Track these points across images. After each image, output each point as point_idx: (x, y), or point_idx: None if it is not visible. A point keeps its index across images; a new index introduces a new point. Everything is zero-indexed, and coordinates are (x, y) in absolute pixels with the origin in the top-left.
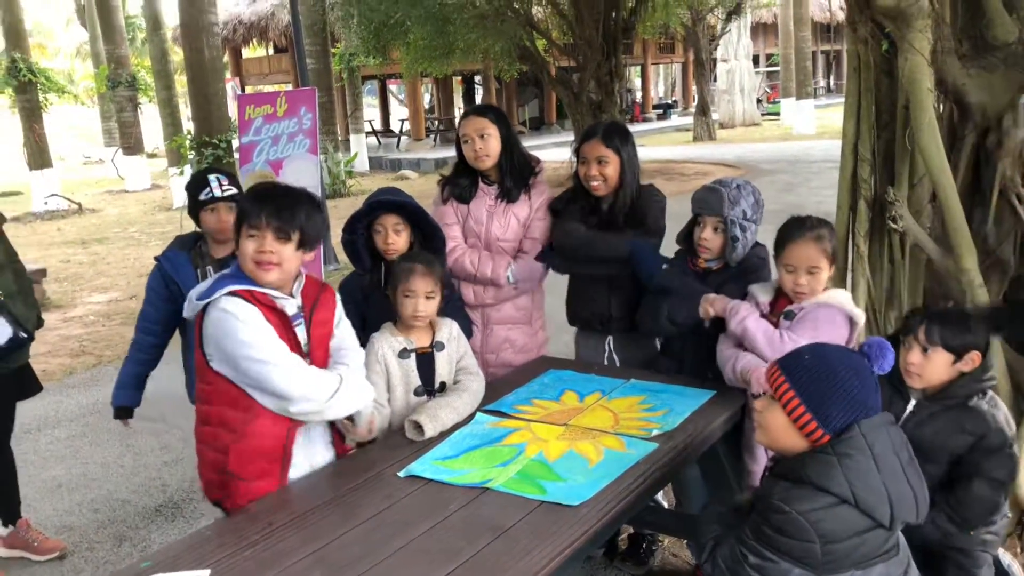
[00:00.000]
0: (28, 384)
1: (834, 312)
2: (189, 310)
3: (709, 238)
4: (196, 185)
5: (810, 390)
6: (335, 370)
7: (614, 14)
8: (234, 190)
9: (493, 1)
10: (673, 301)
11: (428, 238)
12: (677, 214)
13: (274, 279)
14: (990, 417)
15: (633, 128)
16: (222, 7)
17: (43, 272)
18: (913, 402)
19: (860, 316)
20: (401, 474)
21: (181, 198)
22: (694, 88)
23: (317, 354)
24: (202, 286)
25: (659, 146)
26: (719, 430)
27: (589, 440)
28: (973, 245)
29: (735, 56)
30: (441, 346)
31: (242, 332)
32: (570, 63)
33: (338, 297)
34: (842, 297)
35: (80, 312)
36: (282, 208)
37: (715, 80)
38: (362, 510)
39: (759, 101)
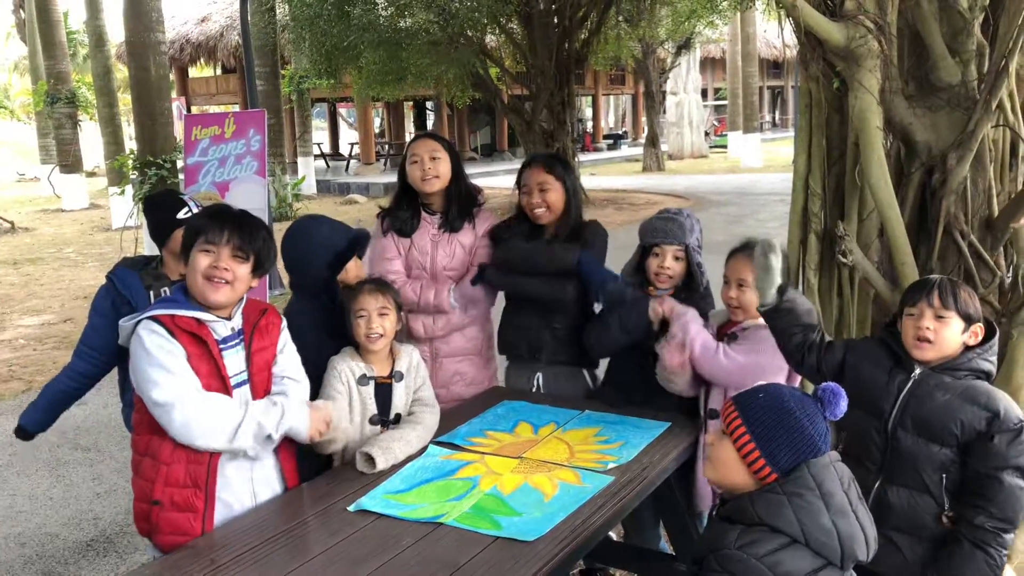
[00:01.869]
0: None
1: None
2: (122, 336)
3: (671, 266)
4: (170, 206)
5: (762, 428)
6: (272, 397)
7: (567, 44)
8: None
9: (447, 28)
10: (625, 308)
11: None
12: (625, 244)
13: (223, 299)
14: (1002, 395)
15: (584, 157)
16: (170, 26)
17: None
18: (918, 370)
19: None
20: (351, 508)
21: (121, 218)
22: (644, 120)
23: (259, 378)
24: (135, 314)
25: (609, 176)
26: (674, 463)
27: (544, 473)
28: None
29: (684, 89)
30: (400, 376)
31: (147, 367)
32: (523, 91)
33: (284, 322)
34: None
35: (10, 335)
36: (243, 227)
37: (664, 112)
38: (310, 546)
39: (707, 134)
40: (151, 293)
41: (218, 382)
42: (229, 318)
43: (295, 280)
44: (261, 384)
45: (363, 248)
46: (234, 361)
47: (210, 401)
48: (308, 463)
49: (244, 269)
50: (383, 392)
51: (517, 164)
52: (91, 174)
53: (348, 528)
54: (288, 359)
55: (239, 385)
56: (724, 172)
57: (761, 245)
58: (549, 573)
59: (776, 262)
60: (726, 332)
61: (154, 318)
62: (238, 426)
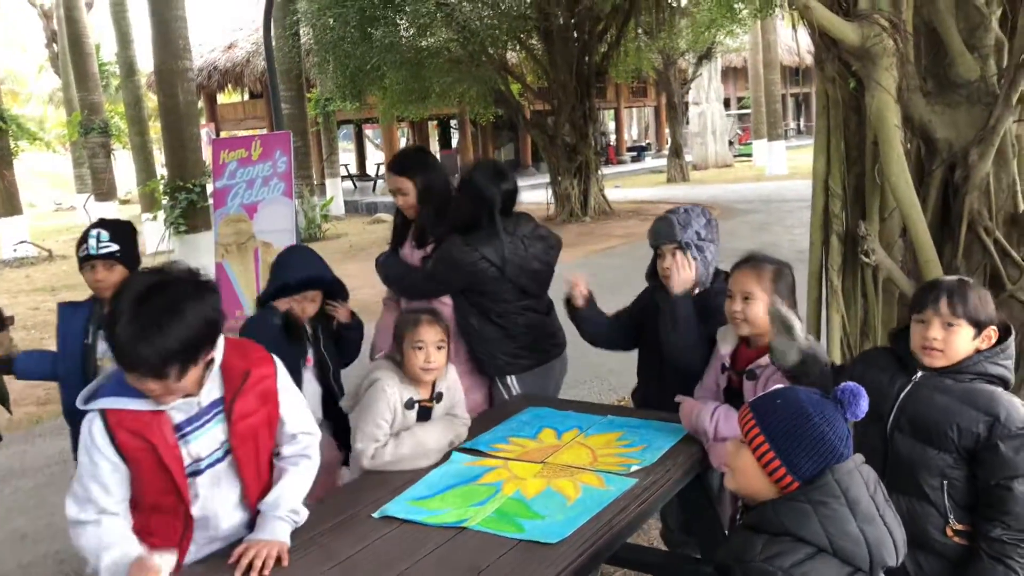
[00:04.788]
0: None
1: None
2: (80, 403)
3: (670, 265)
4: (80, 239)
5: (781, 436)
6: (288, 471)
7: (587, 58)
8: (113, 247)
9: (467, 46)
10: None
11: (331, 293)
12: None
13: (170, 407)
14: (1005, 398)
15: (608, 170)
16: (197, 53)
17: (11, 320)
18: (919, 373)
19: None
20: (376, 515)
21: (154, 243)
22: (667, 131)
23: (242, 451)
24: (91, 386)
25: (634, 187)
26: (699, 466)
27: (567, 477)
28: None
29: (706, 99)
30: (440, 396)
31: (76, 479)
32: (545, 107)
33: (278, 371)
34: None
35: None
36: (144, 359)
37: (687, 123)
38: (336, 552)
39: (731, 143)
40: (89, 329)
41: (162, 481)
42: (192, 394)
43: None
44: (246, 457)
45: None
46: (205, 442)
47: (106, 531)
48: None
49: (172, 384)
50: (424, 414)
51: (541, 179)
52: (125, 201)
53: (373, 534)
54: (294, 411)
55: (210, 466)
56: (749, 181)
57: (776, 311)
58: (572, 575)
59: (794, 322)
60: (742, 367)
61: (102, 412)
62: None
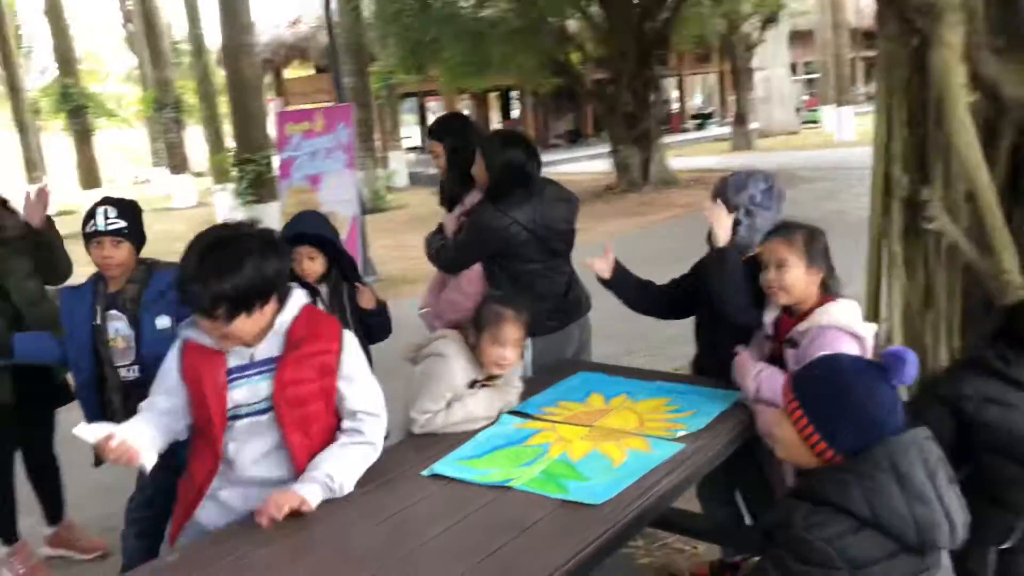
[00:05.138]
0: (64, 395)
1: (836, 334)
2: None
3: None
4: (86, 216)
5: (818, 408)
6: (338, 441)
7: (648, 25)
8: (121, 223)
9: (524, 15)
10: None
11: (341, 264)
12: None
13: (229, 352)
14: None
15: (671, 138)
16: (264, 29)
17: None
18: None
19: (866, 330)
20: (425, 473)
21: (223, 214)
22: (732, 98)
23: (286, 413)
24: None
25: (697, 156)
26: (747, 433)
27: (613, 441)
28: (1013, 245)
29: (772, 65)
30: (498, 377)
31: None
32: (605, 76)
33: (344, 348)
34: (841, 316)
35: None
36: (196, 296)
37: (753, 89)
38: (385, 507)
39: (797, 109)
40: (96, 308)
41: (206, 412)
42: (248, 346)
43: None
44: (293, 420)
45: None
46: (247, 393)
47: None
48: None
49: (227, 325)
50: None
51: (602, 149)
52: (199, 174)
53: (420, 491)
54: (356, 390)
55: (249, 416)
56: (816, 148)
57: None
58: (615, 535)
59: None
60: (784, 335)
61: (183, 339)
62: None
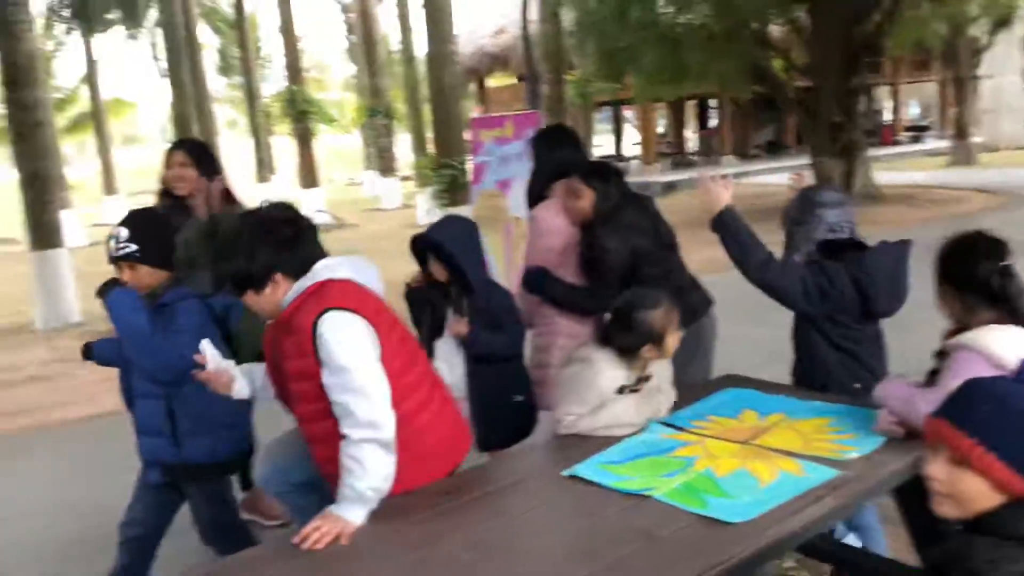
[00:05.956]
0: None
1: (973, 357)
2: None
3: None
4: (107, 238)
5: (1003, 438)
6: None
7: (857, 29)
8: (131, 248)
9: (724, 21)
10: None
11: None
12: (920, 242)
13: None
14: None
15: (881, 152)
16: (470, 40)
17: None
18: None
19: (1010, 363)
20: (565, 473)
21: (424, 216)
22: (952, 109)
23: (292, 385)
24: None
25: (908, 171)
26: (915, 464)
27: (764, 460)
28: None
29: (1002, 72)
30: (648, 379)
31: None
32: (809, 83)
33: (320, 327)
34: (988, 340)
35: None
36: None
37: (978, 99)
38: (519, 504)
39: None
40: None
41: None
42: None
43: None
44: (296, 392)
45: None
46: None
47: None
48: None
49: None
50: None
51: (803, 160)
52: (405, 177)
53: (558, 491)
54: (329, 375)
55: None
56: None
57: None
58: (749, 558)
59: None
60: None
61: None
62: None
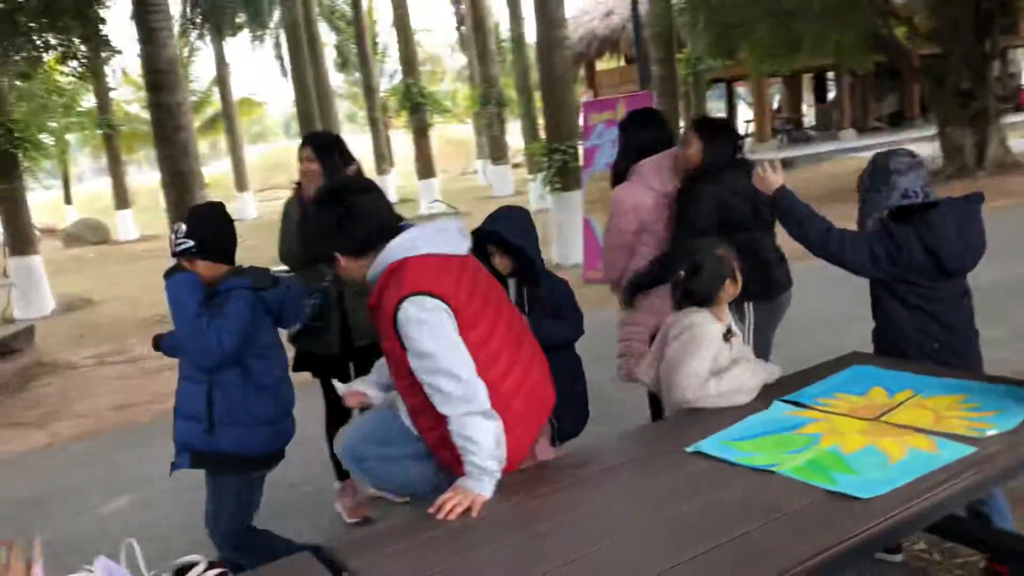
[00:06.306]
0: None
1: None
2: None
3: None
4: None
5: None
6: None
7: None
8: (188, 243)
9: None
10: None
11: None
12: None
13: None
14: None
15: (1017, 118)
16: (580, 23)
17: None
18: None
19: None
20: (689, 449)
21: (536, 201)
22: None
23: (389, 360)
24: None
25: None
26: None
27: (893, 437)
28: None
29: None
30: (729, 328)
31: None
32: (935, 51)
33: (403, 308)
34: None
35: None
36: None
37: None
38: (643, 479)
39: None
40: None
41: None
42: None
43: None
44: (392, 367)
45: None
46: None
47: None
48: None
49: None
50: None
51: (928, 132)
52: (516, 165)
53: (681, 466)
54: (415, 357)
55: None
56: None
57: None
58: (880, 534)
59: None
60: None
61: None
62: None
